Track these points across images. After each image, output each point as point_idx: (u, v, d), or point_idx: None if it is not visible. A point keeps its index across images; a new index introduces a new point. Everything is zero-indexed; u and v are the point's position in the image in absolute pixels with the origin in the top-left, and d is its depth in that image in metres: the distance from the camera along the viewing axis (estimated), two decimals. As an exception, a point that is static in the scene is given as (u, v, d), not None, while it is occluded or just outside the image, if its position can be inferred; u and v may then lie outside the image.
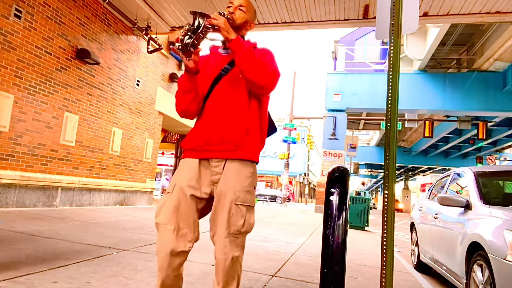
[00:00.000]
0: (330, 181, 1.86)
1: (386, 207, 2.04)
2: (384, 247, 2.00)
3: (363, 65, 19.83)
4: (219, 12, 1.65)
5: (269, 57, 1.74)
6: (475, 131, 19.02)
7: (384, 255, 1.99)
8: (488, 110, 15.96)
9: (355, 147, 14.30)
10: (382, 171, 2.36)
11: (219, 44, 1.87)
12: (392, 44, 2.17)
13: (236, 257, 1.64)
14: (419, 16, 6.76)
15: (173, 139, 15.70)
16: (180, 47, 1.55)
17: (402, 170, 43.12)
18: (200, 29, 1.56)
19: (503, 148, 27.52)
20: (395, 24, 2.17)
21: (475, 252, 2.88)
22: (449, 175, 4.69)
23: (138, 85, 9.49)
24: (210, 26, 1.59)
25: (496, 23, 12.73)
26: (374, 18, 5.56)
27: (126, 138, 9.08)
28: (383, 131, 25.46)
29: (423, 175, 48.32)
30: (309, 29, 8.17)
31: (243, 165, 1.71)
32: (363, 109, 18.51)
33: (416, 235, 5.18)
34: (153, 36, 9.16)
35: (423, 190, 48.07)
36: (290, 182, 37.35)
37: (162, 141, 14.53)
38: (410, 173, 46.75)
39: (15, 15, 5.80)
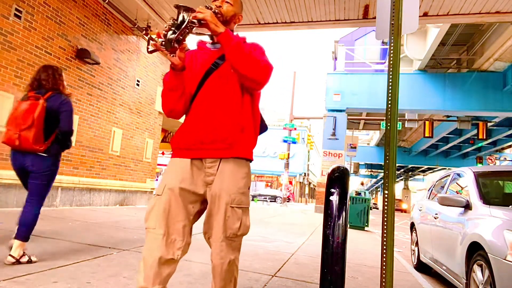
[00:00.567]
0: (330, 181, 1.86)
1: (386, 207, 2.04)
2: (384, 247, 2.00)
3: (363, 65, 19.83)
4: (206, 6, 1.57)
5: (260, 51, 1.68)
6: (475, 131, 19.01)
7: (384, 255, 1.99)
8: (488, 110, 15.96)
9: (355, 147, 14.30)
10: (382, 171, 2.36)
11: (207, 39, 1.79)
12: (392, 44, 2.17)
13: (232, 260, 1.60)
14: (419, 16, 6.75)
15: (173, 139, 15.68)
16: (163, 42, 1.47)
17: (402, 170, 43.14)
18: (185, 24, 1.48)
19: (503, 148, 27.52)
20: (395, 24, 2.17)
21: (475, 252, 2.88)
22: (449, 175, 4.69)
23: (138, 85, 9.49)
24: (196, 21, 1.50)
25: (496, 23, 12.73)
26: (374, 18, 5.57)
27: (126, 138, 9.08)
28: (383, 131, 25.46)
29: (423, 175, 48.29)
30: (309, 29, 8.17)
31: (238, 165, 1.64)
32: (363, 109, 18.50)
33: (416, 235, 5.18)
34: (153, 36, 9.15)
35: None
36: (290, 182, 37.33)
37: (162, 141, 14.53)
38: (410, 173, 46.75)
39: (15, 15, 5.80)
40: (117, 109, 8.62)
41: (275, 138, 33.97)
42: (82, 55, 7.19)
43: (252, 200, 28.55)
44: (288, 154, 25.88)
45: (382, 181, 2.24)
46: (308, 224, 9.93)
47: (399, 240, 8.63)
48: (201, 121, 1.63)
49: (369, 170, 45.33)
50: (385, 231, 2.01)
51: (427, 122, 18.31)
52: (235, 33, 1.69)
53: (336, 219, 1.78)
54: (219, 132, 1.60)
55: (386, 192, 2.05)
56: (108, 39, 8.12)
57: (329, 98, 17.21)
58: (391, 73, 2.15)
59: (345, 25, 7.98)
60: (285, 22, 7.84)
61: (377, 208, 39.12)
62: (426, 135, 18.40)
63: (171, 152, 1.74)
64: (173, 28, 1.47)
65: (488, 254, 2.59)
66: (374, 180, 60.99)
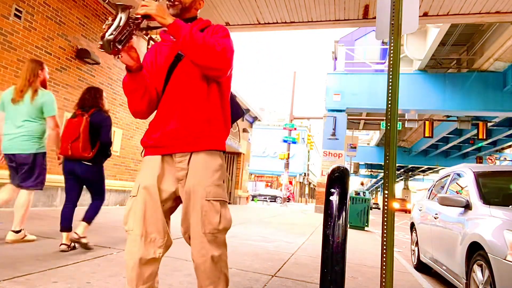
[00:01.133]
0: (330, 181, 1.86)
1: (386, 207, 2.04)
2: (384, 247, 2.00)
3: (363, 65, 19.84)
4: None
5: (222, 34, 1.59)
6: (475, 131, 19.02)
7: (384, 255, 1.99)
8: (488, 110, 15.97)
9: (355, 147, 14.29)
10: (382, 171, 2.36)
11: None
12: (392, 44, 2.17)
13: (217, 256, 1.52)
14: (419, 16, 6.76)
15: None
16: (101, 45, 1.34)
17: (402, 170, 43.16)
18: (123, 23, 1.37)
19: (503, 148, 27.54)
20: (395, 24, 2.17)
21: (475, 252, 2.88)
22: (449, 175, 4.69)
23: (138, 85, 9.49)
24: (139, 17, 1.41)
25: (496, 23, 12.73)
26: (374, 18, 5.57)
27: (126, 138, 9.08)
28: (383, 131, 25.47)
29: (423, 175, 48.33)
30: (309, 29, 8.18)
31: (210, 157, 1.57)
32: (363, 109, 18.52)
33: (416, 235, 5.18)
34: (153, 36, 9.16)
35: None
36: (290, 182, 37.34)
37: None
38: (410, 173, 46.77)
39: (15, 15, 5.80)
40: (117, 109, 8.62)
41: (275, 138, 34.02)
42: (82, 55, 7.19)
43: (252, 200, 28.54)
44: (288, 154, 25.89)
45: (382, 181, 2.24)
46: (308, 224, 9.93)
47: (399, 240, 8.63)
48: (168, 116, 1.57)
49: (369, 170, 45.35)
50: (385, 231, 2.01)
51: (427, 122, 18.31)
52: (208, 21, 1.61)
53: (336, 219, 1.78)
54: (186, 125, 1.54)
55: (386, 192, 2.05)
56: (108, 39, 8.12)
57: (329, 98, 17.22)
58: (391, 73, 2.15)
59: (345, 25, 7.99)
60: (285, 22, 7.84)
61: (379, 208, 39.12)
62: (426, 135, 18.40)
63: (143, 151, 1.70)
64: (110, 29, 1.36)
65: (488, 254, 2.59)
66: (374, 180, 61.02)
